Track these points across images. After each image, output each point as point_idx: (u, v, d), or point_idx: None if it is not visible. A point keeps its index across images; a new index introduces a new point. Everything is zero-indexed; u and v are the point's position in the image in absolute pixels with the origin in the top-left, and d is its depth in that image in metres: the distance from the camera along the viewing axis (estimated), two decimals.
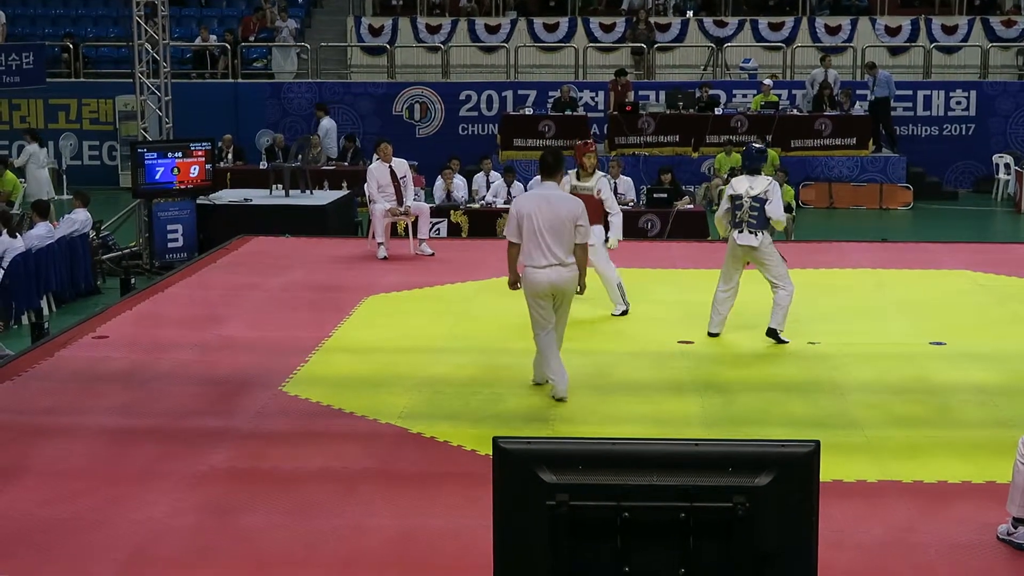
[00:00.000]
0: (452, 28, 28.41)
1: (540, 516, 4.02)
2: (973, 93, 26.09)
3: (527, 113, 25.23)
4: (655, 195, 19.64)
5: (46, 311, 14.88)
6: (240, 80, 27.33)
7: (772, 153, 22.88)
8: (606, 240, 12.89)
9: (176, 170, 17.92)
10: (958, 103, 26.07)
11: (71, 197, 19.20)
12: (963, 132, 26.06)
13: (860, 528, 7.68)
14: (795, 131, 24.00)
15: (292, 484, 8.44)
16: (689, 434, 9.25)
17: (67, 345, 12.20)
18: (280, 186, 19.77)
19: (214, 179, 18.82)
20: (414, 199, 16.82)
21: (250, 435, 9.51)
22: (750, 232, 11.77)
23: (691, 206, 20.02)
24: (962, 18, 28.16)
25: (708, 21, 28.40)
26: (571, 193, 12.40)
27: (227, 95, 26.53)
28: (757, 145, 12.90)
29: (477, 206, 19.88)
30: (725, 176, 21.42)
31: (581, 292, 10.25)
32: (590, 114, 25.33)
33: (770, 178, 12.18)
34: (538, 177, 12.55)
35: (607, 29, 28.43)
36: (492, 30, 28.42)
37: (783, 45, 27.80)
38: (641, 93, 25.68)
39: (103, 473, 8.68)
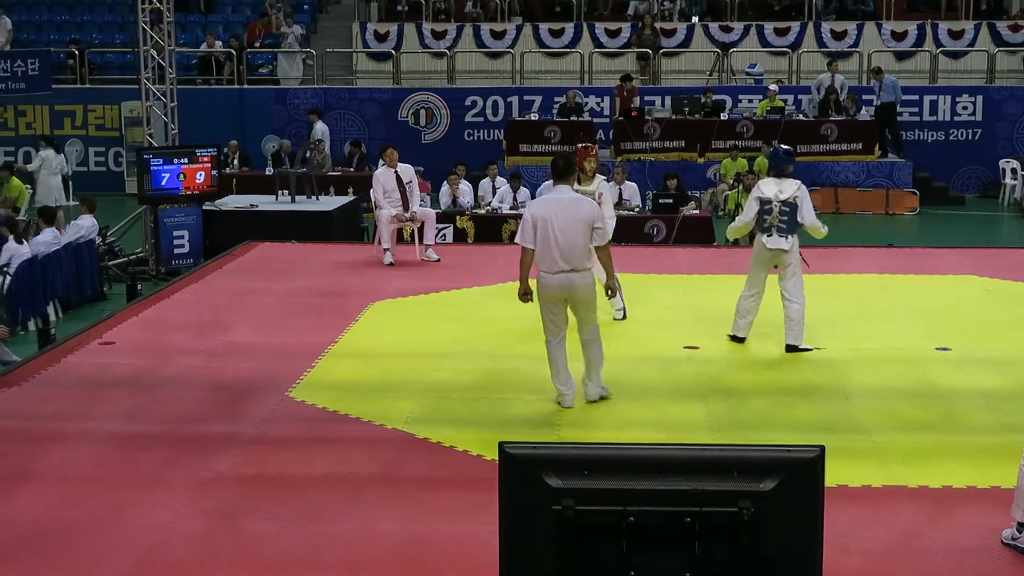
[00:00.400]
0: (458, 34, 28.44)
1: (546, 521, 4.03)
2: (980, 98, 26.08)
3: (533, 119, 25.25)
4: (661, 200, 19.64)
5: (53, 317, 14.90)
6: (246, 86, 27.38)
7: None
8: None
9: (182, 176, 17.95)
10: (964, 108, 26.06)
11: (77, 203, 19.24)
12: (969, 137, 26.05)
13: (865, 533, 7.69)
14: (801, 136, 23.99)
15: (298, 489, 8.46)
16: (695, 439, 9.26)
17: (74, 351, 12.23)
18: (286, 192, 19.79)
19: (220, 185, 18.83)
20: (420, 205, 16.84)
21: (256, 440, 9.52)
22: (780, 236, 11.71)
23: (697, 211, 20.01)
24: (968, 23, 28.15)
25: (714, 26, 28.42)
26: None
27: (233, 101, 26.58)
28: (784, 147, 12.84)
29: (483, 212, 19.89)
30: (731, 181, 21.45)
31: (613, 295, 10.24)
32: (596, 120, 25.34)
33: (799, 182, 12.09)
34: (549, 182, 12.56)
35: (612, 35, 28.45)
36: (498, 35, 28.45)
37: (789, 50, 27.81)
38: (647, 98, 25.71)
39: (109, 478, 8.70)
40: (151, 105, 19.28)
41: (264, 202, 19.57)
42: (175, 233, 17.96)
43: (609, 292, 10.20)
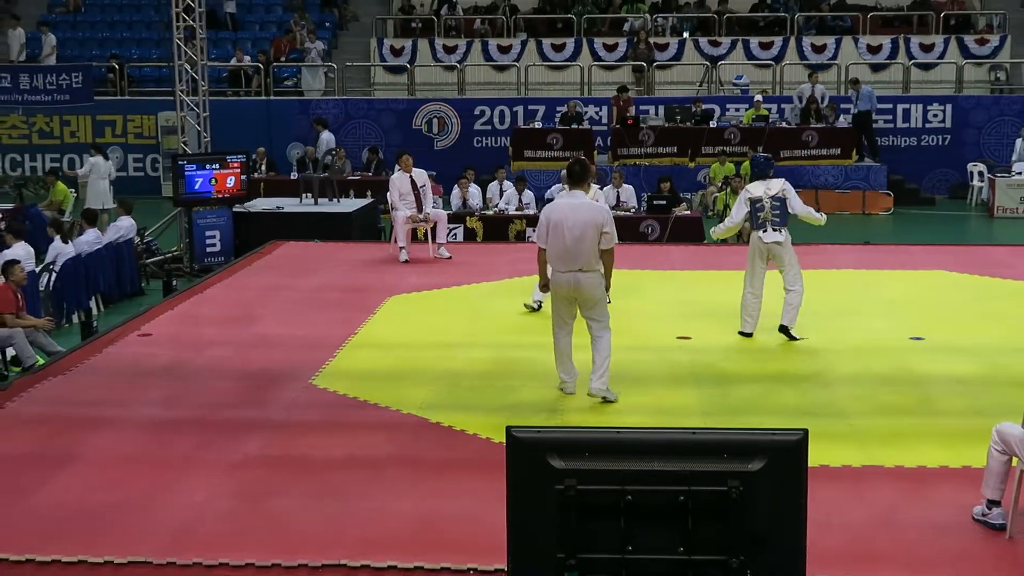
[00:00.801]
0: (467, 48, 28.39)
1: (550, 499, 4.01)
2: (949, 106, 26.00)
3: (537, 127, 25.19)
4: (655, 202, 19.61)
5: (95, 311, 14.90)
6: (272, 97, 27.35)
7: None
8: None
9: (214, 181, 17.93)
10: (935, 116, 25.98)
11: (114, 206, 19.23)
12: (940, 142, 25.97)
13: (846, 510, 7.65)
14: (784, 142, 23.92)
15: (321, 470, 8.44)
16: (687, 423, 9.23)
17: (114, 342, 12.22)
18: (309, 195, 19.78)
19: (249, 189, 18.82)
20: (433, 206, 16.82)
21: (282, 425, 9.51)
22: (774, 230, 11.68)
23: (688, 212, 19.99)
24: (938, 37, 28.06)
25: (703, 41, 28.34)
26: None
27: (260, 111, 26.54)
28: (764, 154, 12.87)
29: (491, 213, 19.86)
30: (719, 184, 21.40)
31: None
32: (595, 127, 25.26)
33: (782, 179, 12.09)
34: (557, 185, 12.51)
35: (610, 49, 28.39)
36: (504, 50, 28.41)
37: (773, 63, 27.73)
38: (642, 108, 25.63)
39: (147, 460, 8.69)
40: (185, 115, 19.26)
41: (289, 204, 19.57)
42: (207, 233, 17.96)
43: (604, 291, 10.00)
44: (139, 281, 16.71)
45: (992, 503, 7.34)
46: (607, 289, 9.94)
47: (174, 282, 16.49)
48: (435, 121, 26.55)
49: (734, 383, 10.68)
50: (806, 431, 4.08)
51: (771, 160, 12.49)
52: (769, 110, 25.19)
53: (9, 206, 20.35)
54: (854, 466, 8.50)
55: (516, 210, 19.61)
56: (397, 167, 16.54)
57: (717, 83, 27.62)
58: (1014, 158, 24.30)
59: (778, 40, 28.14)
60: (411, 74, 28.09)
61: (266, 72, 27.40)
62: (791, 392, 10.43)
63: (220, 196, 18.03)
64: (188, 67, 19.17)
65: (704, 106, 25.08)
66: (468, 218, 19.56)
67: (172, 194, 18.70)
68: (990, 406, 9.64)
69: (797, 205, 11.84)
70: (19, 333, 11.96)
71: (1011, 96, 26.84)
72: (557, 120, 25.34)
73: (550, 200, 12.78)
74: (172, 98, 19.61)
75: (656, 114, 25.43)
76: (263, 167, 23.98)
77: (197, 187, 17.84)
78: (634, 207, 19.57)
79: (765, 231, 11.70)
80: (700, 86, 27.69)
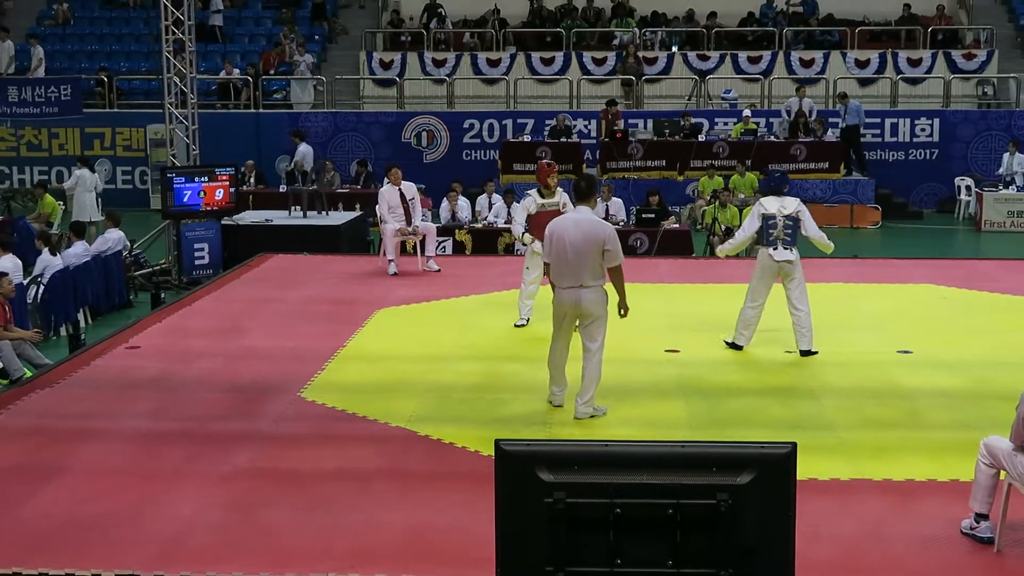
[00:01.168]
0: (456, 62, 28.43)
1: (539, 512, 4.01)
2: (936, 121, 26.10)
3: (525, 140, 25.22)
4: (643, 215, 19.65)
5: (83, 323, 14.87)
6: (261, 110, 27.34)
7: (751, 176, 22.93)
8: None
9: (202, 193, 17.91)
10: (923, 130, 26.08)
11: (102, 219, 19.20)
12: (927, 157, 26.07)
13: (834, 522, 7.66)
14: (772, 156, 23.95)
15: (310, 483, 8.43)
16: (676, 436, 9.23)
17: (102, 355, 12.19)
18: (298, 208, 19.78)
19: (237, 201, 18.80)
20: (422, 219, 16.83)
21: (271, 438, 9.49)
22: (785, 248, 11.63)
23: (677, 225, 20.02)
24: (926, 52, 28.18)
25: (692, 55, 28.43)
26: (540, 211, 12.45)
27: (249, 124, 26.54)
28: (780, 169, 12.78)
29: (480, 226, 19.88)
30: (708, 197, 21.44)
31: (624, 314, 9.87)
32: (583, 141, 25.29)
33: (797, 199, 12.07)
34: (531, 191, 12.60)
35: (599, 63, 28.45)
36: (493, 64, 28.45)
37: (761, 77, 27.82)
38: (630, 121, 25.68)
39: (135, 473, 8.67)
40: (174, 128, 19.25)
41: (278, 217, 19.56)
42: (196, 246, 17.94)
43: (621, 312, 9.88)
44: (127, 293, 16.68)
45: (980, 516, 7.36)
46: (625, 305, 9.83)
47: (162, 294, 16.46)
48: (424, 134, 26.57)
49: (723, 396, 10.69)
50: (794, 444, 4.10)
51: (786, 176, 12.43)
52: (757, 124, 25.26)
53: None
54: (842, 479, 8.51)
55: (505, 223, 19.61)
56: (386, 180, 16.54)
57: (706, 97, 27.70)
58: (1001, 171, 24.41)
59: (767, 54, 28.24)
60: (400, 87, 28.13)
61: (255, 85, 27.41)
62: (780, 405, 10.44)
63: (209, 209, 18.01)
64: (177, 80, 19.17)
65: (693, 120, 25.14)
66: (457, 231, 19.58)
67: (161, 206, 18.67)
68: (978, 420, 9.66)
69: (811, 228, 11.79)
70: (6, 345, 11.92)
71: (998, 111, 26.96)
72: (546, 133, 25.37)
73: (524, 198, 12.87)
74: (161, 111, 19.60)
75: (645, 128, 25.48)
76: (252, 180, 23.97)
77: (186, 200, 17.82)
78: (623, 220, 19.60)
79: (776, 249, 11.62)
80: (689, 100, 27.77)
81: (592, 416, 9.86)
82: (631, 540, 4.03)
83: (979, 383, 11.02)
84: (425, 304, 14.57)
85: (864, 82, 27.75)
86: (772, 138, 25.01)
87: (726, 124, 25.76)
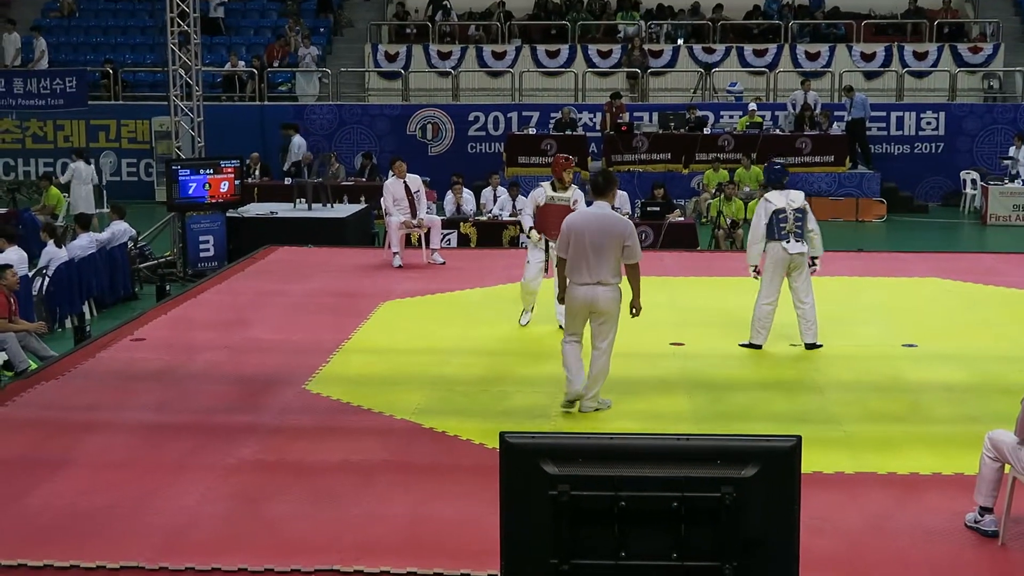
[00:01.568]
0: (461, 55, 28.40)
1: (543, 505, 4.01)
2: (942, 114, 26.05)
3: (531, 133, 25.20)
4: (648, 208, 19.64)
5: (88, 315, 14.88)
6: (266, 103, 27.34)
7: (756, 169, 22.90)
8: None
9: (208, 185, 17.91)
10: (928, 123, 26.04)
11: (107, 211, 19.21)
12: (933, 150, 26.02)
13: (839, 516, 7.66)
14: (778, 149, 23.92)
15: (314, 475, 8.43)
16: (680, 430, 9.21)
17: (107, 347, 12.20)
18: (303, 200, 19.78)
19: (242, 194, 18.79)
20: (427, 212, 16.82)
21: (276, 430, 9.50)
22: (796, 241, 11.57)
23: (682, 218, 20.02)
24: (932, 45, 28.13)
25: (697, 48, 28.39)
26: (548, 204, 12.36)
27: (254, 116, 26.54)
28: (779, 161, 12.71)
29: (485, 218, 19.88)
30: (713, 191, 21.41)
31: (637, 313, 9.69)
32: (589, 134, 25.30)
33: (802, 192, 12.03)
34: (540, 188, 12.50)
35: (604, 56, 28.41)
36: (498, 56, 28.42)
37: (766, 70, 27.78)
38: (636, 114, 25.65)
39: (140, 465, 8.68)
40: (179, 120, 19.26)
41: (283, 210, 19.56)
42: (201, 238, 17.94)
43: (633, 311, 9.71)
44: (132, 286, 16.69)
45: (984, 510, 7.36)
46: (638, 303, 9.66)
47: (167, 287, 16.47)
48: (429, 127, 26.56)
49: (727, 389, 10.68)
50: (799, 438, 4.09)
51: (786, 168, 12.37)
52: (763, 117, 25.22)
53: (2, 210, 20.35)
54: (847, 472, 8.50)
55: (510, 216, 19.61)
56: (391, 173, 16.54)
57: (711, 90, 27.66)
58: (1008, 162, 24.34)
59: (772, 47, 28.20)
60: (405, 80, 28.11)
61: (260, 77, 27.40)
62: (784, 399, 10.44)
63: (214, 201, 18.01)
64: (182, 72, 19.16)
65: (698, 113, 25.11)
66: (462, 224, 19.57)
67: (166, 199, 18.67)
68: (982, 413, 9.65)
69: (813, 222, 11.76)
70: (11, 337, 11.95)
71: (1004, 104, 26.91)
72: (551, 126, 25.35)
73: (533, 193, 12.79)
74: (166, 103, 19.59)
75: (650, 121, 25.45)
76: (257, 172, 23.98)
77: (191, 192, 17.82)
78: (628, 213, 19.55)
79: (789, 242, 11.53)
80: (694, 93, 27.73)
81: (597, 410, 9.83)
82: (635, 533, 4.03)
83: (984, 377, 11.01)
84: (430, 297, 14.57)
85: (870, 75, 27.71)
86: (777, 131, 25.00)
87: (731, 117, 25.73)
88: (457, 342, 12.34)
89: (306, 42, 28.40)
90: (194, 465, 8.64)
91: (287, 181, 22.77)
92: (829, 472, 8.42)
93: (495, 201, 20.33)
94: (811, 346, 11.81)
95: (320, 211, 19.52)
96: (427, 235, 16.54)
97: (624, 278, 9.63)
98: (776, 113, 25.99)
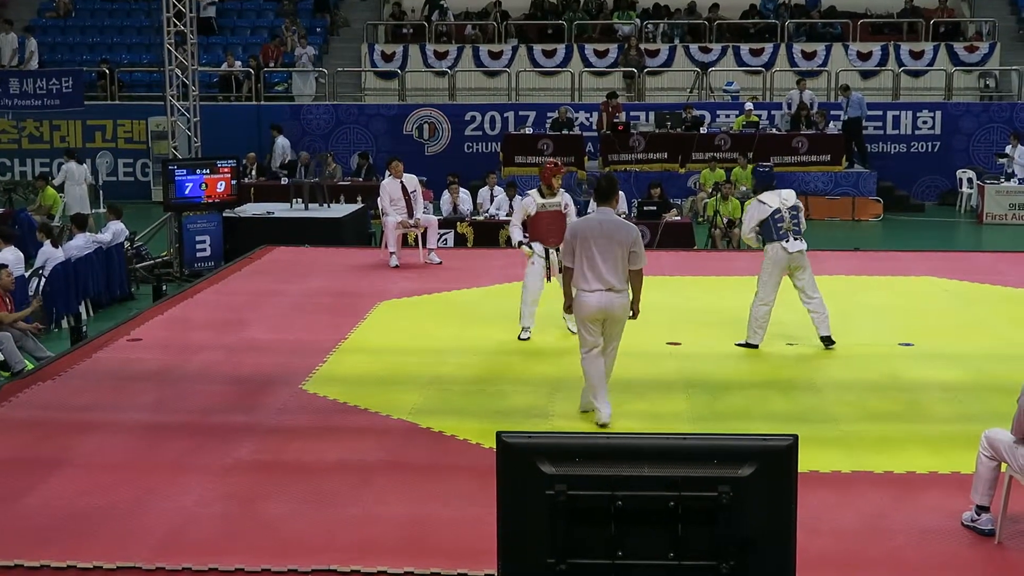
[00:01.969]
0: (458, 54, 28.40)
1: (540, 504, 4.01)
2: (938, 113, 26.08)
3: (527, 132, 25.22)
4: (645, 208, 19.66)
5: (84, 316, 14.87)
6: (263, 103, 27.33)
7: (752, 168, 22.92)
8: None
9: (204, 185, 17.91)
10: (924, 123, 26.07)
11: (104, 211, 19.21)
12: (929, 149, 26.05)
13: (835, 515, 7.67)
14: (774, 148, 23.96)
15: (311, 475, 8.43)
16: (677, 429, 9.25)
17: (104, 347, 12.20)
18: (300, 200, 19.78)
19: (239, 194, 18.80)
20: (423, 212, 16.82)
21: (273, 430, 9.50)
22: (796, 239, 11.57)
23: (678, 218, 20.03)
24: (928, 44, 28.16)
25: (694, 47, 28.40)
26: (541, 210, 12.27)
27: (251, 116, 26.53)
28: (766, 164, 12.70)
29: (481, 218, 19.88)
30: (710, 190, 21.43)
31: (634, 317, 9.52)
32: (585, 133, 25.30)
33: (792, 189, 12.00)
34: (533, 191, 12.43)
35: (601, 55, 28.43)
36: (495, 56, 28.43)
37: (763, 69, 27.80)
38: (632, 114, 25.66)
39: (137, 465, 8.67)
40: (176, 120, 19.26)
41: (280, 210, 19.57)
42: (198, 238, 17.94)
43: (631, 314, 9.50)
44: (129, 286, 16.69)
45: (981, 509, 7.36)
46: (637, 308, 9.50)
47: (164, 287, 16.47)
48: (426, 127, 26.56)
49: (724, 389, 10.69)
50: (796, 437, 4.10)
51: (772, 170, 12.32)
52: (759, 117, 25.24)
53: None
54: (844, 472, 8.50)
55: (506, 215, 19.60)
56: (388, 173, 16.54)
57: (707, 89, 27.68)
58: (1004, 161, 24.37)
59: (768, 47, 28.22)
60: (402, 80, 28.11)
61: (257, 77, 27.39)
62: (781, 398, 10.44)
63: (210, 201, 18.01)
64: (179, 72, 19.16)
65: (694, 112, 25.13)
66: (458, 223, 19.57)
67: (162, 199, 18.67)
68: (979, 412, 9.65)
69: (803, 221, 11.77)
70: (7, 337, 11.94)
71: (1000, 103, 26.93)
72: (547, 126, 25.36)
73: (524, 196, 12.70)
74: (163, 103, 19.60)
75: (646, 120, 25.47)
76: (253, 172, 23.99)
77: (187, 192, 17.82)
78: (624, 212, 19.57)
79: (788, 241, 11.52)
80: (690, 92, 27.75)
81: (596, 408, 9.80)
82: (632, 532, 4.03)
83: (980, 376, 11.02)
84: (427, 297, 14.57)
85: (866, 74, 27.73)
86: (774, 131, 25.00)
87: (728, 116, 25.74)
88: (454, 342, 12.34)
89: (302, 42, 28.40)
90: (191, 465, 8.64)
91: (283, 181, 22.76)
92: (826, 471, 8.43)
93: (492, 201, 20.34)
94: (826, 339, 11.79)
95: (317, 211, 19.52)
96: (424, 235, 16.54)
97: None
98: (772, 112, 26.01)
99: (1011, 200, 23.47)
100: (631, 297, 9.45)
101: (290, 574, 6.90)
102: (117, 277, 16.24)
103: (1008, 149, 24.38)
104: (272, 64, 28.32)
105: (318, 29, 30.17)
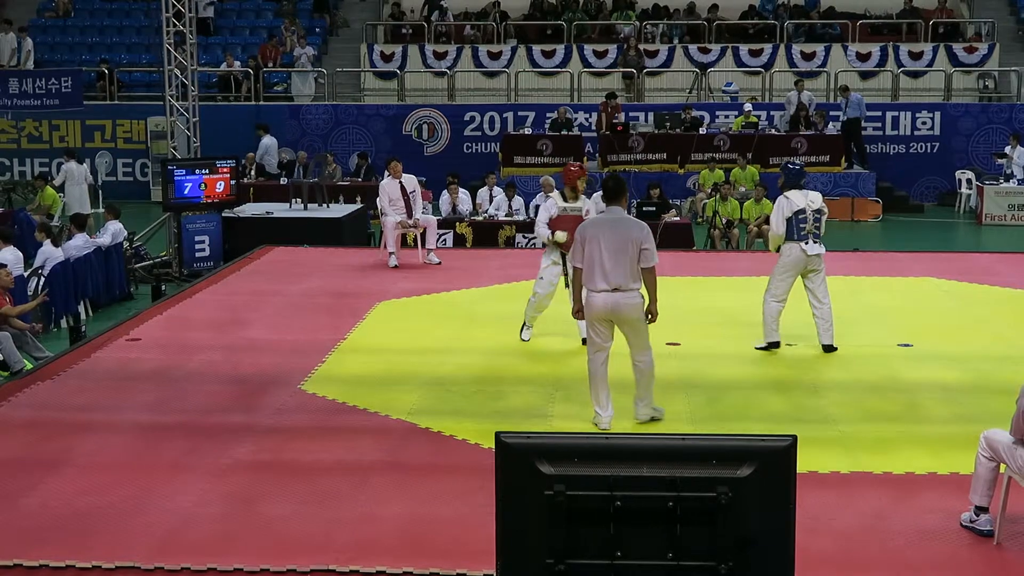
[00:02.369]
0: (457, 55, 28.40)
1: (539, 505, 4.01)
2: (937, 114, 26.09)
3: (526, 133, 25.21)
4: (644, 208, 19.63)
5: (83, 315, 14.88)
6: (262, 103, 27.33)
7: (752, 169, 22.94)
8: None
9: (203, 185, 17.91)
10: (924, 123, 26.07)
11: (103, 211, 19.20)
12: (928, 150, 26.05)
13: (834, 516, 7.67)
14: (773, 149, 23.96)
15: (310, 475, 8.43)
16: (676, 429, 9.24)
17: (103, 347, 12.20)
18: (299, 200, 19.77)
19: (238, 194, 18.80)
20: (422, 212, 16.82)
21: (271, 430, 9.49)
22: (815, 242, 11.53)
23: (677, 218, 20.01)
24: (927, 45, 28.16)
25: (693, 48, 28.40)
26: (561, 215, 12.13)
27: (250, 116, 26.52)
28: (796, 161, 12.52)
29: (480, 218, 19.87)
30: (709, 191, 21.43)
31: (653, 319, 9.36)
32: (585, 134, 25.29)
33: (820, 193, 11.92)
34: (551, 199, 12.25)
35: (600, 55, 28.43)
36: (494, 56, 28.43)
37: (762, 70, 27.80)
38: (631, 114, 25.65)
39: (136, 465, 8.67)
40: (175, 120, 19.26)
41: (279, 210, 19.56)
42: (197, 238, 17.94)
43: (649, 316, 9.36)
44: (128, 286, 16.69)
45: (980, 509, 7.36)
46: (654, 309, 9.34)
47: (163, 287, 16.46)
48: (425, 127, 26.56)
49: (723, 389, 10.69)
50: (795, 437, 4.09)
51: (804, 168, 12.23)
52: (758, 117, 25.24)
53: None
54: (842, 472, 8.51)
55: (506, 216, 19.63)
56: (387, 173, 16.53)
57: (707, 90, 27.68)
58: (1004, 163, 24.37)
59: (768, 47, 28.23)
60: (401, 80, 28.11)
61: (256, 77, 27.39)
62: (780, 398, 10.44)
63: (209, 201, 18.01)
64: (178, 72, 19.16)
65: (694, 113, 25.13)
66: (458, 224, 19.57)
67: (161, 199, 18.66)
68: (978, 413, 9.65)
69: (823, 226, 11.73)
70: (6, 337, 11.94)
71: (999, 104, 26.94)
72: (547, 126, 25.37)
73: (537, 206, 12.63)
74: (162, 103, 19.60)
75: (646, 121, 25.46)
76: (252, 172, 23.98)
77: (186, 192, 17.82)
78: None
79: (808, 243, 11.47)
80: (690, 93, 27.75)
81: (653, 419, 9.59)
82: (631, 533, 4.02)
83: (979, 376, 11.02)
84: (426, 297, 14.57)
85: (865, 75, 27.74)
86: (773, 131, 25.00)
87: (727, 117, 25.74)
88: (453, 342, 12.34)
89: (302, 42, 28.40)
90: (190, 465, 8.64)
91: (282, 181, 22.75)
92: (825, 472, 8.43)
93: (491, 201, 20.33)
94: (828, 347, 11.77)
95: (316, 211, 19.51)
96: (423, 235, 16.53)
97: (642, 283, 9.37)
98: (772, 113, 26.01)
99: (1010, 201, 23.48)
100: (646, 298, 9.30)
101: (289, 574, 6.90)
102: (116, 277, 16.24)
103: (1007, 149, 24.38)
104: (271, 64, 28.32)
105: (317, 29, 30.17)
